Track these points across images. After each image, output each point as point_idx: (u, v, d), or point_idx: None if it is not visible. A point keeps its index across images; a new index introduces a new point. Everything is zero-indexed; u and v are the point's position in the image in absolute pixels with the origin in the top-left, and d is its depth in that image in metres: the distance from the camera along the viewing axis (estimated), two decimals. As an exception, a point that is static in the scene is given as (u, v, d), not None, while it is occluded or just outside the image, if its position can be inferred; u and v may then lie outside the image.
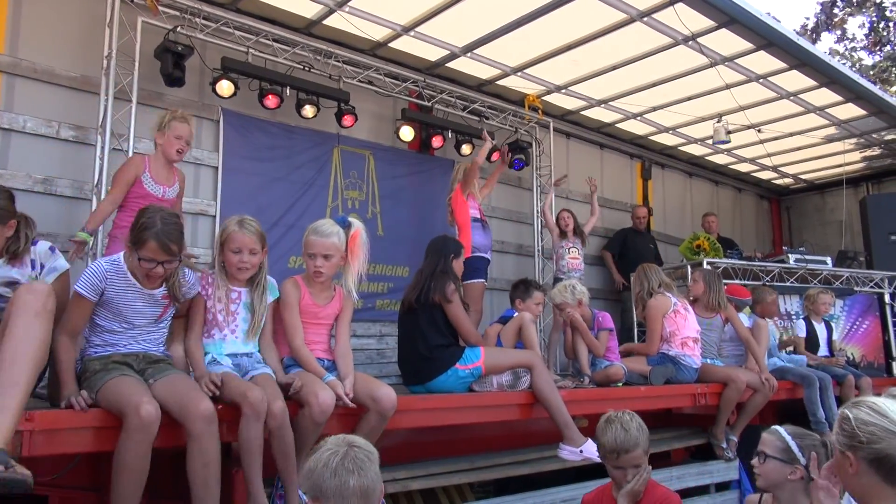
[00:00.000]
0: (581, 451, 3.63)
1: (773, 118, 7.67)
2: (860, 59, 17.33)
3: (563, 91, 7.04)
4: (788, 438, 2.52)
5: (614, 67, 6.48)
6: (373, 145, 6.51)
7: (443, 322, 3.84)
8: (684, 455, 5.05)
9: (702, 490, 4.69)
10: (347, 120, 5.91)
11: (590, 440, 3.53)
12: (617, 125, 8.15)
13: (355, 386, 3.04)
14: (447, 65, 6.51)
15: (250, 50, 5.45)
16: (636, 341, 6.41)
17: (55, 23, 4.85)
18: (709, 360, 5.10)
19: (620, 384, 4.59)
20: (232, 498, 2.72)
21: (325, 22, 5.69)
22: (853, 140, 8.63)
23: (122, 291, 2.68)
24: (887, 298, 7.32)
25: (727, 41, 5.95)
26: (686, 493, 4.57)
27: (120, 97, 4.75)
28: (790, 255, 7.05)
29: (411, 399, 3.57)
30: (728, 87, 6.68)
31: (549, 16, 5.49)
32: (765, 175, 10.33)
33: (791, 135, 8.12)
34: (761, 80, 6.74)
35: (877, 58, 17.02)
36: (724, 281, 5.66)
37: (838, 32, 17.19)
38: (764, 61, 6.32)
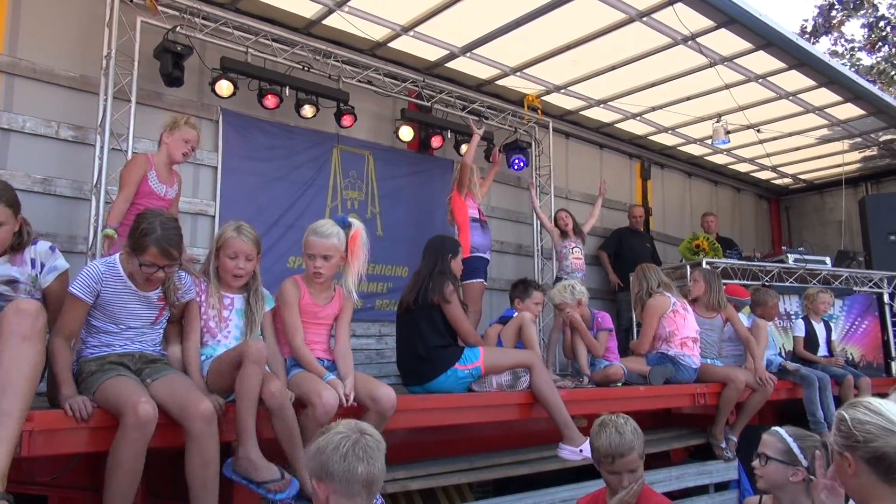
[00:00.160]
0: (581, 451, 3.63)
1: (772, 118, 7.67)
2: (859, 60, 17.34)
3: (563, 91, 7.04)
4: (790, 440, 2.51)
5: (613, 67, 6.48)
6: (372, 145, 6.51)
7: (441, 322, 3.84)
8: (683, 455, 5.05)
9: (701, 490, 4.69)
10: (347, 120, 5.91)
11: (589, 440, 3.53)
12: (616, 125, 8.15)
13: (355, 386, 3.04)
14: (446, 65, 6.51)
15: (249, 50, 5.45)
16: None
17: (54, 23, 4.84)
18: (709, 361, 5.10)
19: (620, 384, 4.59)
20: (231, 498, 2.72)
21: (325, 22, 5.68)
22: (852, 140, 8.64)
23: (118, 293, 2.68)
24: (886, 298, 7.32)
25: (726, 41, 5.95)
26: (685, 493, 4.58)
27: (119, 97, 4.74)
28: (789, 255, 7.06)
29: (411, 399, 3.57)
30: (727, 87, 6.68)
31: (549, 16, 5.49)
32: (764, 175, 10.34)
33: (790, 135, 8.12)
34: (760, 80, 6.74)
35: (875, 58, 17.03)
36: (723, 281, 5.67)
37: (835, 34, 17.20)
38: (763, 61, 6.32)
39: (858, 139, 8.57)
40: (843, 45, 17.62)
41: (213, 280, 3.00)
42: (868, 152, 9.23)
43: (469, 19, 5.61)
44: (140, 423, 2.35)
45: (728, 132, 7.27)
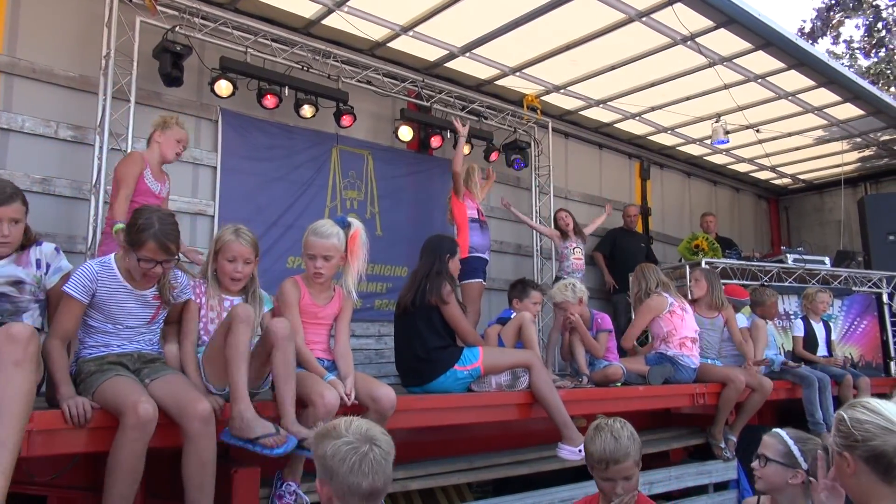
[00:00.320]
0: (580, 451, 3.62)
1: (771, 118, 7.68)
2: (857, 60, 17.36)
3: (562, 91, 7.05)
4: (790, 442, 2.50)
5: (613, 67, 6.49)
6: (371, 145, 6.51)
7: (440, 323, 3.83)
8: (683, 455, 5.05)
9: (700, 490, 4.69)
10: (346, 120, 5.91)
11: (584, 444, 3.52)
12: (615, 125, 8.15)
13: (355, 386, 3.04)
14: (446, 65, 6.51)
15: (249, 50, 5.45)
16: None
17: (53, 22, 4.84)
18: (709, 361, 5.10)
19: (619, 384, 4.59)
20: (231, 498, 2.72)
21: (324, 22, 5.68)
22: (851, 140, 8.64)
23: (114, 293, 2.68)
24: (885, 298, 7.33)
25: (726, 41, 5.95)
26: (685, 492, 4.58)
27: (118, 97, 4.74)
28: (788, 255, 7.07)
29: (410, 399, 3.57)
30: (726, 87, 6.69)
31: (548, 16, 5.49)
32: (763, 175, 10.34)
33: (789, 135, 8.12)
34: (760, 80, 6.74)
35: (874, 60, 17.04)
36: (723, 281, 5.67)
37: (834, 34, 17.22)
38: (762, 61, 6.33)
39: (858, 139, 8.58)
40: (843, 45, 17.66)
41: (211, 282, 3.00)
42: (867, 152, 9.24)
43: (468, 19, 5.61)
44: (140, 422, 2.35)
45: (727, 132, 7.28)
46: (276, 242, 5.67)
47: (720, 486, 4.80)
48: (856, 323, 7.20)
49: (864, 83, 7.22)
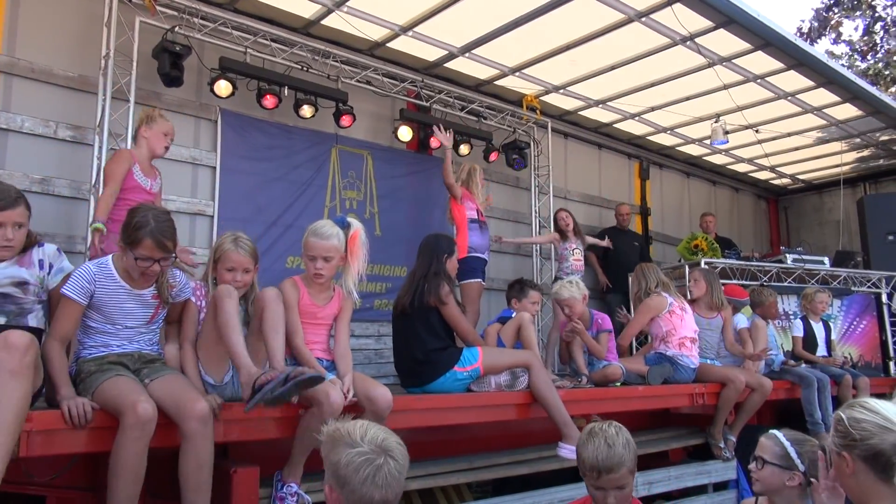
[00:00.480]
0: (580, 451, 3.62)
1: (770, 118, 7.69)
2: (855, 61, 17.36)
3: (561, 91, 7.05)
4: (787, 444, 2.48)
5: (612, 67, 6.49)
6: (371, 145, 6.51)
7: (439, 324, 3.82)
8: (682, 455, 5.05)
9: (700, 490, 4.69)
10: (345, 120, 5.91)
11: (576, 449, 3.52)
12: (615, 125, 8.16)
13: (352, 385, 3.04)
14: (445, 65, 6.51)
15: (248, 50, 5.45)
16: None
17: (53, 22, 4.84)
18: (708, 361, 5.10)
19: (618, 384, 4.59)
20: (230, 499, 2.72)
21: (324, 22, 5.68)
22: (850, 140, 8.65)
23: (112, 293, 2.68)
24: (884, 298, 7.33)
25: (725, 41, 5.95)
26: (684, 492, 4.58)
27: (118, 97, 4.74)
28: (788, 255, 7.07)
29: (409, 399, 3.57)
30: (726, 87, 6.69)
31: (547, 16, 5.49)
32: (762, 175, 10.35)
33: (789, 135, 8.13)
34: (759, 81, 6.75)
35: (871, 62, 17.05)
36: (722, 281, 5.67)
37: (833, 35, 17.23)
38: (762, 61, 6.33)
39: (857, 139, 8.59)
40: (844, 45, 17.67)
41: (211, 289, 3.00)
42: (866, 152, 9.24)
43: (468, 19, 5.62)
44: (140, 422, 2.35)
45: (727, 132, 7.29)
46: (276, 242, 5.67)
47: (719, 486, 4.80)
48: (855, 323, 7.20)
49: (864, 83, 7.22)
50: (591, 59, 6.34)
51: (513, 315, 4.34)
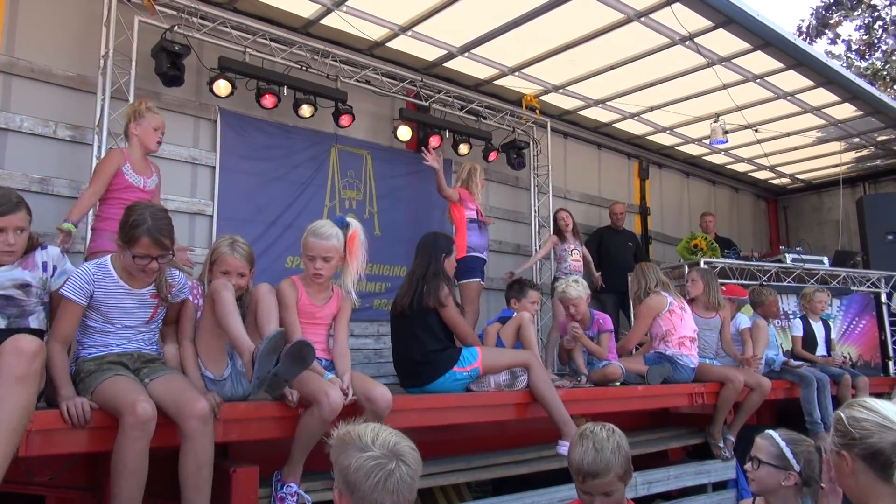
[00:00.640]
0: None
1: (770, 118, 7.69)
2: (854, 61, 17.37)
3: (561, 91, 7.05)
4: (782, 444, 2.49)
5: (612, 67, 6.49)
6: (370, 145, 6.50)
7: (438, 326, 3.81)
8: (682, 454, 5.05)
9: (699, 489, 4.69)
10: (345, 119, 5.91)
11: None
12: (614, 125, 8.16)
13: (351, 385, 3.04)
14: (444, 65, 6.51)
15: (247, 49, 5.45)
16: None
17: (52, 22, 4.84)
18: (707, 360, 5.10)
19: (618, 383, 4.59)
20: (229, 498, 2.71)
21: (323, 21, 5.68)
22: (850, 140, 8.65)
23: (111, 293, 2.68)
24: (884, 298, 7.33)
25: (724, 41, 5.96)
26: (683, 492, 4.58)
27: (117, 97, 4.74)
28: (787, 255, 7.07)
29: (408, 399, 3.57)
30: (725, 86, 6.69)
31: (547, 16, 5.49)
32: (762, 175, 10.35)
33: (788, 135, 8.13)
34: (758, 80, 6.75)
35: (870, 62, 17.06)
36: (722, 281, 5.67)
37: (831, 35, 17.23)
38: (761, 61, 6.33)
39: (856, 139, 8.59)
40: (842, 45, 17.67)
41: (207, 291, 3.00)
42: (865, 152, 9.25)
43: (467, 19, 5.62)
44: (139, 422, 2.35)
45: (726, 132, 7.29)
46: (275, 242, 5.67)
47: (719, 486, 4.80)
48: (854, 322, 7.20)
49: (863, 83, 7.23)
50: (590, 59, 6.34)
51: (513, 315, 4.34)
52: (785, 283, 6.81)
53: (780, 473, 2.45)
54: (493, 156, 7.02)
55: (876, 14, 16.80)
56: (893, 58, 16.66)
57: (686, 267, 6.42)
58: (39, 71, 4.72)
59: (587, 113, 7.78)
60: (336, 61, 5.94)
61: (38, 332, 2.63)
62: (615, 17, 5.60)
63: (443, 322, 3.83)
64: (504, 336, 4.19)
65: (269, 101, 5.47)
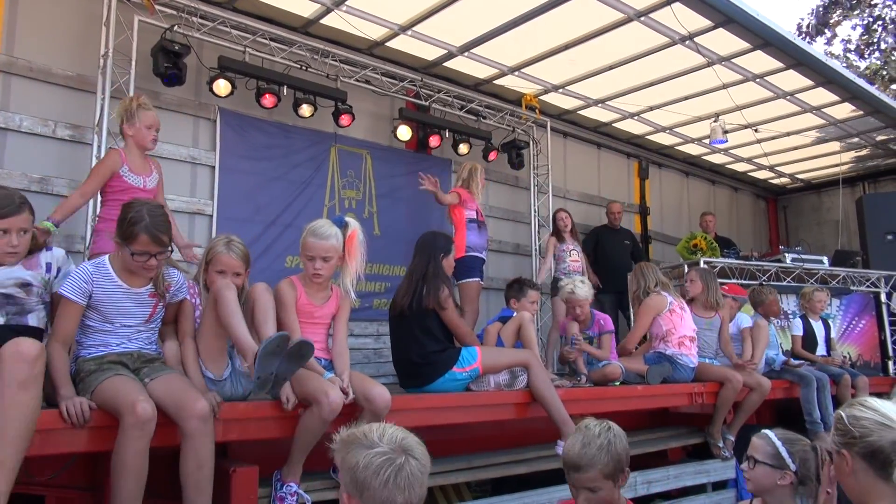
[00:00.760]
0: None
1: (769, 118, 7.69)
2: (853, 61, 17.37)
3: (561, 90, 7.05)
4: (778, 443, 2.49)
5: (611, 67, 6.49)
6: (370, 144, 6.50)
7: (437, 327, 3.81)
8: (681, 454, 5.05)
9: (699, 489, 4.69)
10: (345, 119, 5.91)
11: None
12: (614, 125, 8.16)
13: (350, 384, 3.04)
14: (444, 64, 6.51)
15: (247, 49, 5.44)
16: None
17: (51, 22, 4.83)
18: (706, 360, 5.10)
19: (617, 383, 4.59)
20: (229, 498, 2.71)
21: (323, 21, 5.68)
22: (849, 140, 8.65)
23: (110, 292, 2.68)
24: (883, 298, 7.34)
25: (724, 41, 5.96)
26: (683, 492, 4.58)
27: (116, 96, 4.72)
28: (787, 255, 7.07)
29: (408, 398, 3.57)
30: (725, 86, 6.69)
31: (547, 15, 5.49)
32: (761, 174, 10.35)
33: (788, 134, 8.13)
34: (758, 80, 6.75)
35: (869, 61, 17.06)
36: (721, 280, 5.66)
37: (829, 34, 17.23)
38: (761, 61, 6.33)
39: (855, 139, 8.59)
40: (841, 44, 17.68)
41: (202, 292, 3.01)
42: (865, 152, 9.25)
43: (467, 19, 5.61)
44: (139, 421, 2.35)
45: (726, 132, 7.30)
46: (275, 242, 5.67)
47: (718, 486, 4.80)
48: (854, 322, 7.20)
49: (862, 83, 7.23)
50: (590, 59, 6.34)
51: (512, 314, 4.34)
52: (784, 283, 6.81)
53: (776, 473, 2.45)
54: (492, 155, 7.02)
55: (876, 14, 16.80)
56: (893, 57, 16.66)
57: (686, 267, 6.42)
58: (39, 70, 4.72)
59: (587, 112, 7.78)
60: (336, 61, 5.94)
61: (36, 331, 2.63)
62: (615, 17, 5.60)
63: (442, 323, 3.83)
64: (504, 336, 4.19)
65: (268, 100, 5.47)
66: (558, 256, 6.97)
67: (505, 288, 4.78)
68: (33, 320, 2.66)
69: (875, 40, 16.77)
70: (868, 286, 7.35)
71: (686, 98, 7.18)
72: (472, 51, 6.21)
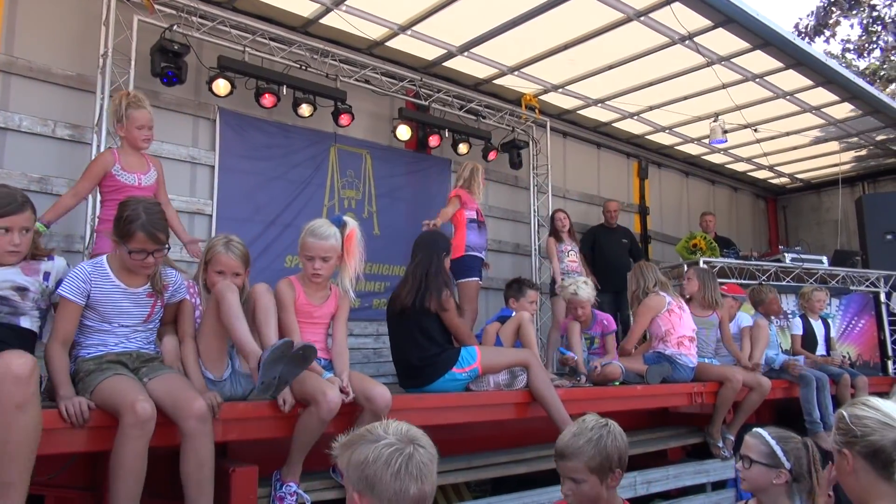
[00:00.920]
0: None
1: (769, 117, 7.69)
2: (852, 61, 17.37)
3: (560, 90, 7.05)
4: (773, 442, 2.47)
5: (611, 67, 6.49)
6: (370, 144, 6.50)
7: (437, 329, 3.80)
8: (681, 454, 5.05)
9: (698, 489, 4.69)
10: (344, 119, 5.90)
11: None
12: (614, 124, 8.16)
13: (350, 385, 3.04)
14: (444, 64, 6.51)
15: (247, 49, 5.44)
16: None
17: (51, 21, 4.83)
18: (706, 360, 5.10)
19: (617, 383, 4.59)
20: (228, 498, 2.71)
21: (322, 21, 5.68)
22: (849, 139, 8.65)
23: (108, 293, 2.67)
24: (883, 297, 7.34)
25: (724, 40, 5.96)
26: (683, 491, 4.58)
27: (116, 96, 4.74)
28: (786, 255, 7.07)
29: (408, 398, 3.57)
30: (724, 86, 6.69)
31: (546, 15, 5.49)
32: (761, 174, 10.36)
33: (787, 134, 8.13)
34: (758, 80, 6.75)
35: (869, 61, 17.06)
36: (721, 280, 5.66)
37: (827, 33, 17.22)
38: (760, 61, 6.33)
39: (855, 138, 8.60)
40: (840, 44, 17.68)
41: (202, 292, 3.00)
42: (864, 152, 9.25)
43: (467, 19, 5.61)
44: (139, 421, 2.35)
45: (725, 131, 7.29)
46: (274, 241, 5.66)
47: (718, 485, 4.80)
48: (853, 322, 7.21)
49: (862, 82, 7.23)
50: (589, 59, 6.34)
51: (512, 314, 4.34)
52: (784, 283, 6.81)
53: (770, 472, 2.45)
54: (492, 155, 7.02)
55: (875, 14, 16.79)
56: (892, 57, 16.66)
57: (685, 266, 6.42)
58: (38, 70, 4.72)
59: (586, 112, 7.78)
60: (335, 60, 5.94)
61: (29, 333, 2.62)
62: (614, 17, 5.60)
63: (442, 325, 3.82)
64: (503, 335, 4.19)
65: (268, 100, 5.47)
66: (557, 257, 6.96)
67: (504, 288, 4.78)
68: (26, 322, 2.63)
69: (875, 39, 16.76)
70: (867, 286, 7.35)
71: (686, 98, 7.18)
72: (471, 50, 6.21)
